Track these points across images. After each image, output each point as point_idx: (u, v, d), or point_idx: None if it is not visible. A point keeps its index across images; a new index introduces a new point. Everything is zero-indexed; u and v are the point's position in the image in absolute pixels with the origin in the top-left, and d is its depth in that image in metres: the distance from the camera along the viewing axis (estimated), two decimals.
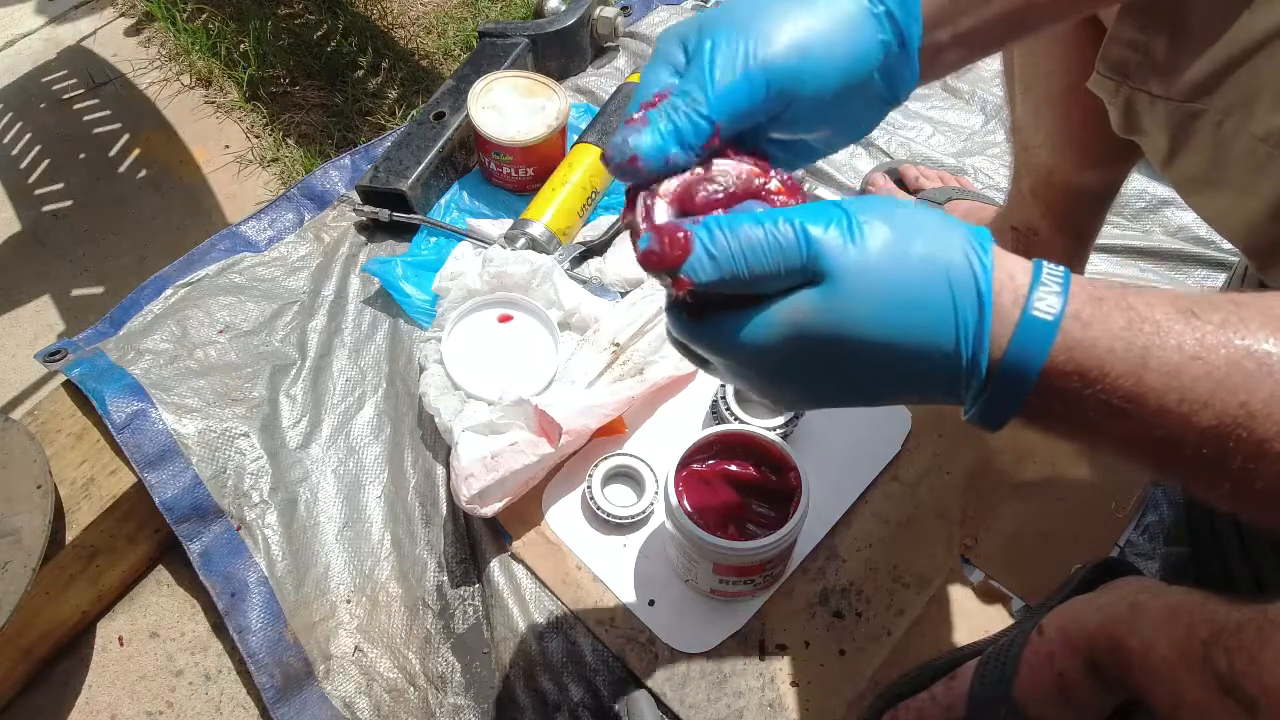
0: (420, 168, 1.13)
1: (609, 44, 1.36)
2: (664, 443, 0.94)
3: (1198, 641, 0.53)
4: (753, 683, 0.82)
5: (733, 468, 0.83)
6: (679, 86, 0.43)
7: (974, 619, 0.85)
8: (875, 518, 0.90)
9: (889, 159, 1.20)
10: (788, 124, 0.45)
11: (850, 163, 1.21)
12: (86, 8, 1.62)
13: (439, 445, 0.97)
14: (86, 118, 1.46)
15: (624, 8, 1.38)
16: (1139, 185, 1.15)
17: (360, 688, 0.85)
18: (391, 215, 1.12)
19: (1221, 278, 1.07)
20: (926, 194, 1.10)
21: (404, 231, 1.15)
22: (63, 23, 1.60)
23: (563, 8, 1.33)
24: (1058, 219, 0.89)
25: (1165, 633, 0.57)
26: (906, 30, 0.44)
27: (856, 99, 0.45)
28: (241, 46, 1.51)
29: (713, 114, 0.42)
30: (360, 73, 1.50)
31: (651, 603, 0.86)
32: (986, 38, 0.49)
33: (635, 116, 0.42)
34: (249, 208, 1.32)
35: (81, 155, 1.41)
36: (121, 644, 0.92)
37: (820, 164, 1.19)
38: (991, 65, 1.32)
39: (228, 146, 1.42)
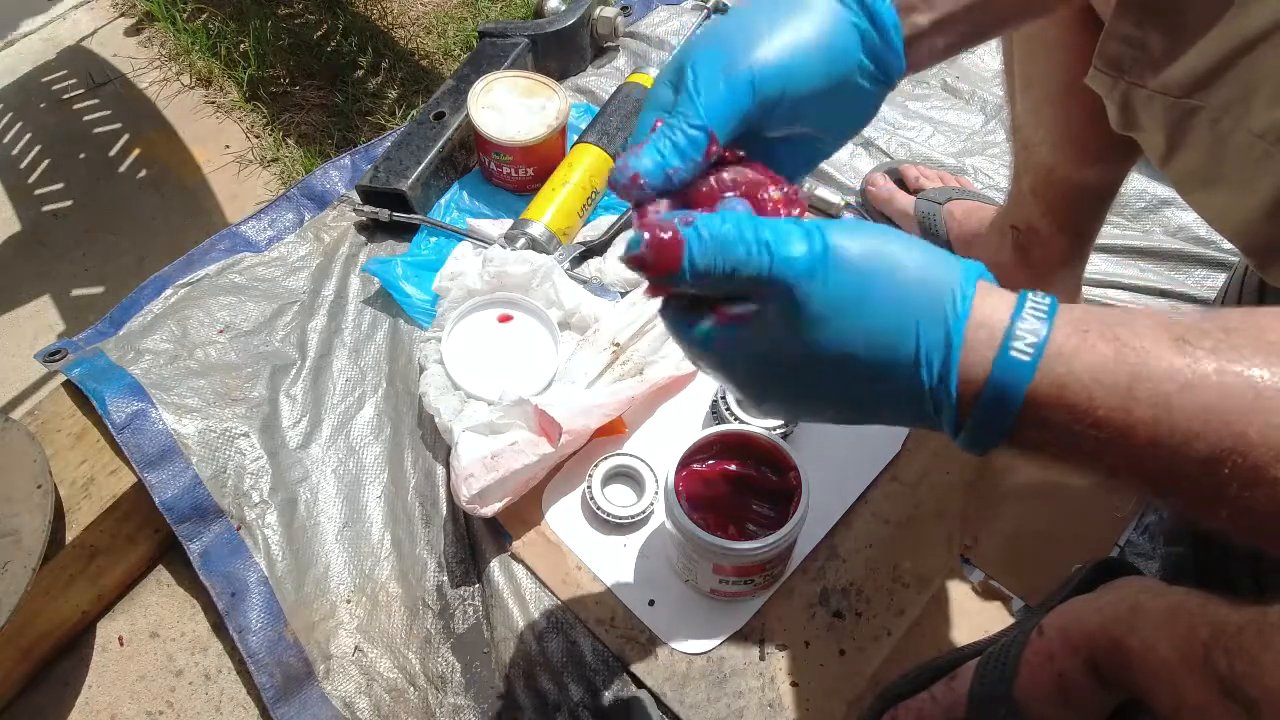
0: (420, 168, 1.13)
1: (609, 44, 1.36)
2: (664, 443, 0.94)
3: (1198, 643, 0.53)
4: (753, 683, 0.82)
5: (733, 468, 0.83)
6: (673, 109, 0.44)
7: (974, 619, 0.85)
8: (875, 518, 0.90)
9: (889, 159, 1.20)
10: (786, 121, 0.46)
11: (850, 163, 1.21)
12: (86, 7, 1.62)
13: (439, 445, 0.97)
14: (86, 118, 1.46)
15: (624, 8, 1.38)
16: (1139, 185, 1.15)
17: (360, 688, 0.85)
18: (391, 215, 1.12)
19: (1221, 277, 1.07)
20: (926, 194, 1.10)
21: (404, 231, 1.15)
22: (63, 23, 1.60)
23: (563, 8, 1.33)
24: (1058, 218, 0.89)
25: (1166, 634, 0.57)
26: (876, 11, 0.46)
27: (847, 86, 0.47)
28: (241, 46, 1.51)
29: (705, 122, 0.43)
30: (360, 73, 1.50)
31: (651, 603, 0.86)
32: (964, 25, 0.50)
33: (636, 146, 0.44)
34: (249, 208, 1.32)
35: (81, 155, 1.42)
36: (121, 644, 0.92)
37: (821, 164, 1.19)
38: (991, 65, 1.32)
39: (228, 146, 1.41)
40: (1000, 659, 0.71)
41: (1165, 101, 0.56)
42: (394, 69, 1.50)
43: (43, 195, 1.37)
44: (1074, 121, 0.79)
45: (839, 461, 0.92)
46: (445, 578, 0.90)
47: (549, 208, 1.09)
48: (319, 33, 1.56)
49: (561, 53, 1.31)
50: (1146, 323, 0.38)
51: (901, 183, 1.15)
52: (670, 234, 0.40)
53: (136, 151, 1.42)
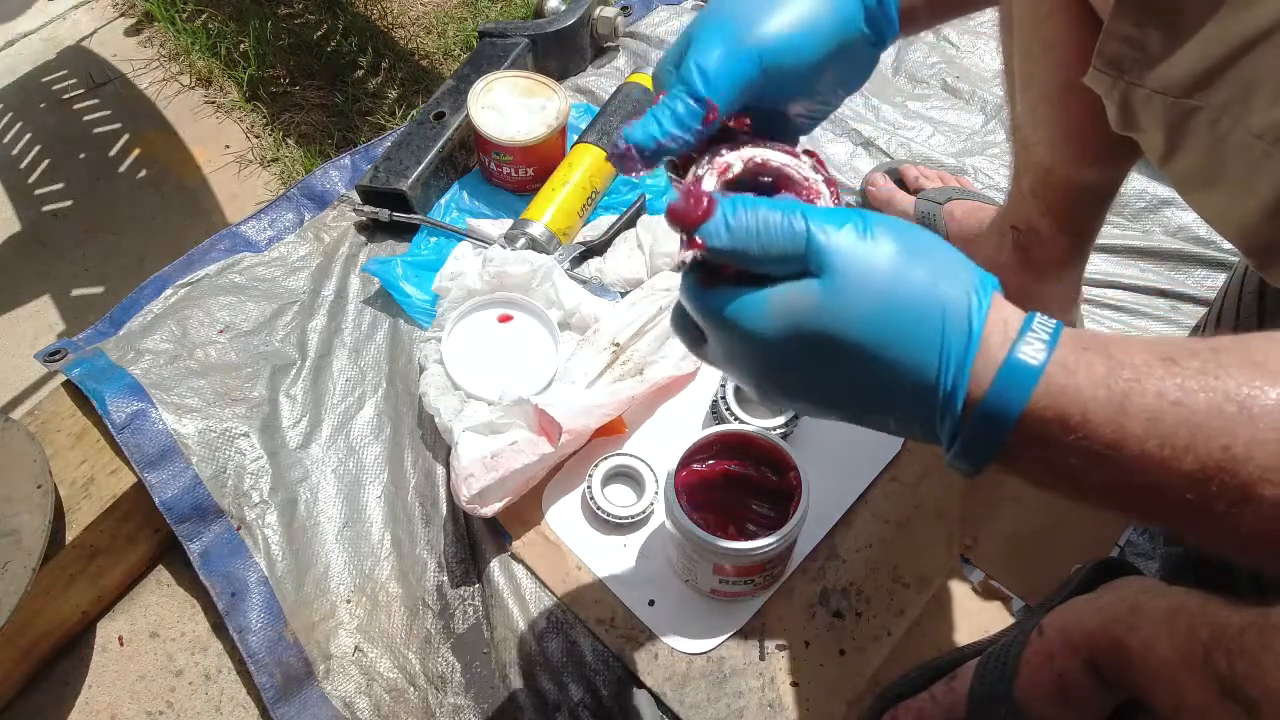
0: (420, 168, 1.13)
1: (609, 44, 1.36)
2: (664, 443, 0.94)
3: (1198, 643, 0.53)
4: (753, 683, 0.82)
5: (733, 468, 0.83)
6: (674, 82, 0.45)
7: (974, 619, 0.85)
8: (875, 518, 0.90)
9: (889, 159, 1.20)
10: (792, 92, 0.48)
11: (850, 163, 1.21)
12: (86, 7, 1.62)
13: (439, 445, 0.97)
14: (86, 118, 1.46)
15: (624, 8, 1.38)
16: (1139, 185, 1.15)
17: (360, 688, 0.85)
18: (391, 215, 1.12)
19: (1221, 277, 1.07)
20: (926, 194, 1.10)
21: (404, 231, 1.15)
22: (63, 23, 1.60)
23: (563, 8, 1.33)
24: (1058, 218, 0.89)
25: (1166, 634, 0.57)
26: None
27: (848, 53, 0.48)
28: (241, 46, 1.51)
29: (705, 92, 0.44)
30: (360, 73, 1.50)
31: (651, 603, 0.86)
32: None
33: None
34: (249, 208, 1.32)
35: (81, 155, 1.42)
36: (121, 644, 0.92)
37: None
38: (991, 65, 1.32)
39: (228, 146, 1.42)
40: (1000, 659, 0.71)
41: (1165, 101, 0.56)
42: (394, 69, 1.50)
43: (43, 195, 1.37)
44: (1073, 121, 0.79)
45: (839, 461, 0.92)
46: (445, 578, 0.90)
47: (549, 208, 1.09)
48: (319, 33, 1.56)
49: (561, 53, 1.31)
50: (1138, 344, 0.39)
51: (901, 183, 1.15)
52: (706, 199, 0.41)
53: (136, 151, 1.42)
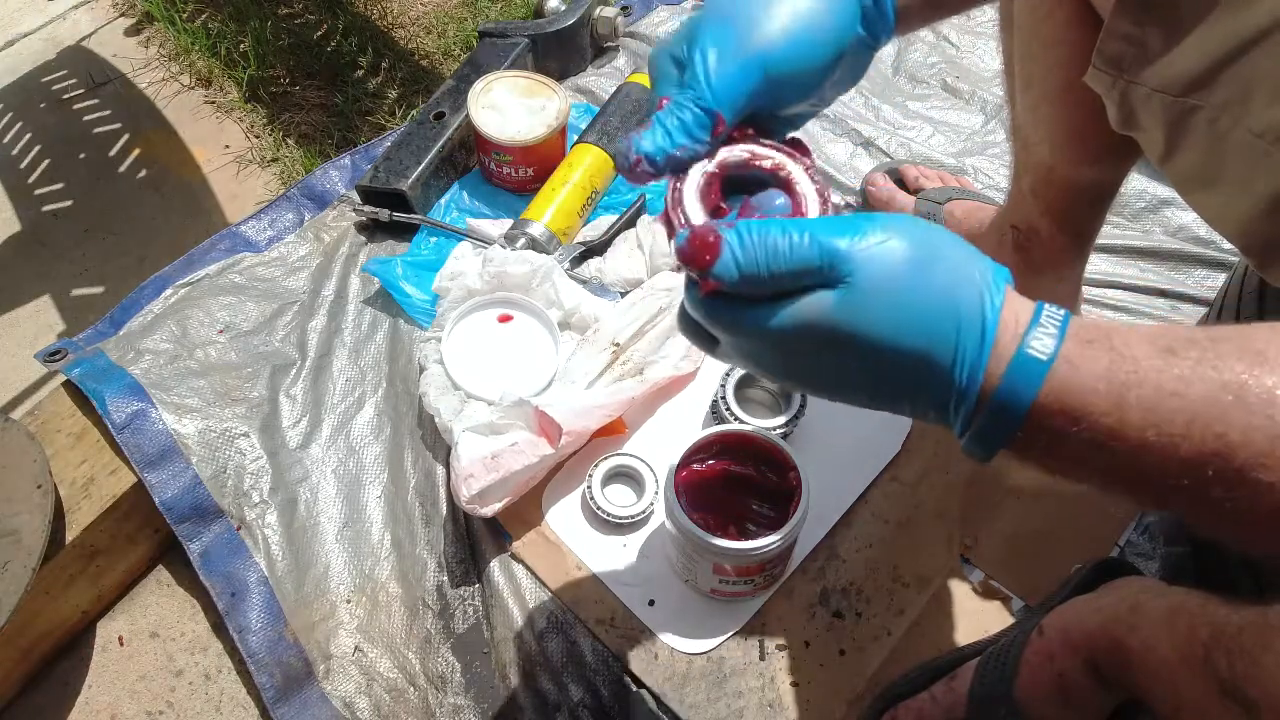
0: (420, 168, 1.13)
1: (609, 44, 1.36)
2: (664, 443, 0.94)
3: (1198, 643, 0.53)
4: (753, 683, 0.82)
5: (733, 468, 0.83)
6: (680, 88, 0.45)
7: (974, 619, 0.85)
8: (875, 518, 0.90)
9: (889, 159, 1.20)
10: (792, 97, 0.48)
11: (850, 163, 1.21)
12: (86, 7, 1.62)
13: (439, 445, 0.97)
14: (86, 118, 1.46)
15: (624, 8, 1.38)
16: (1139, 185, 1.15)
17: (360, 688, 0.85)
18: (391, 215, 1.12)
19: (1221, 277, 1.07)
20: (926, 194, 1.10)
21: (404, 231, 1.15)
22: (63, 23, 1.60)
23: (563, 8, 1.33)
24: (1058, 217, 0.89)
25: (1165, 634, 0.57)
26: None
27: (845, 57, 0.48)
28: (241, 46, 1.51)
29: (714, 104, 0.44)
30: (360, 73, 1.50)
31: (651, 603, 0.86)
32: None
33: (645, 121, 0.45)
34: (249, 208, 1.32)
35: (81, 155, 1.42)
36: (121, 644, 0.92)
37: (820, 164, 1.19)
38: (991, 65, 1.32)
39: (228, 146, 1.41)
40: (1000, 659, 0.71)
41: (1164, 100, 0.56)
42: (394, 69, 1.50)
43: (43, 195, 1.37)
44: (1073, 120, 0.79)
45: (839, 461, 0.92)
46: (445, 578, 0.90)
47: (549, 208, 1.09)
48: (319, 33, 1.56)
49: (561, 53, 1.31)
50: (1139, 335, 0.40)
51: (901, 183, 1.15)
52: (713, 236, 0.41)
53: (136, 151, 1.42)
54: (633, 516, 0.88)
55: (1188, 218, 1.13)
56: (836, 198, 1.16)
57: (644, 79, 1.23)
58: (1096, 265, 1.07)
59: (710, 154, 0.46)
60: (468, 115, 1.14)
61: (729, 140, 0.46)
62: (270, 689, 0.84)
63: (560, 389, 0.95)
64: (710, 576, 0.80)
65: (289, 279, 1.10)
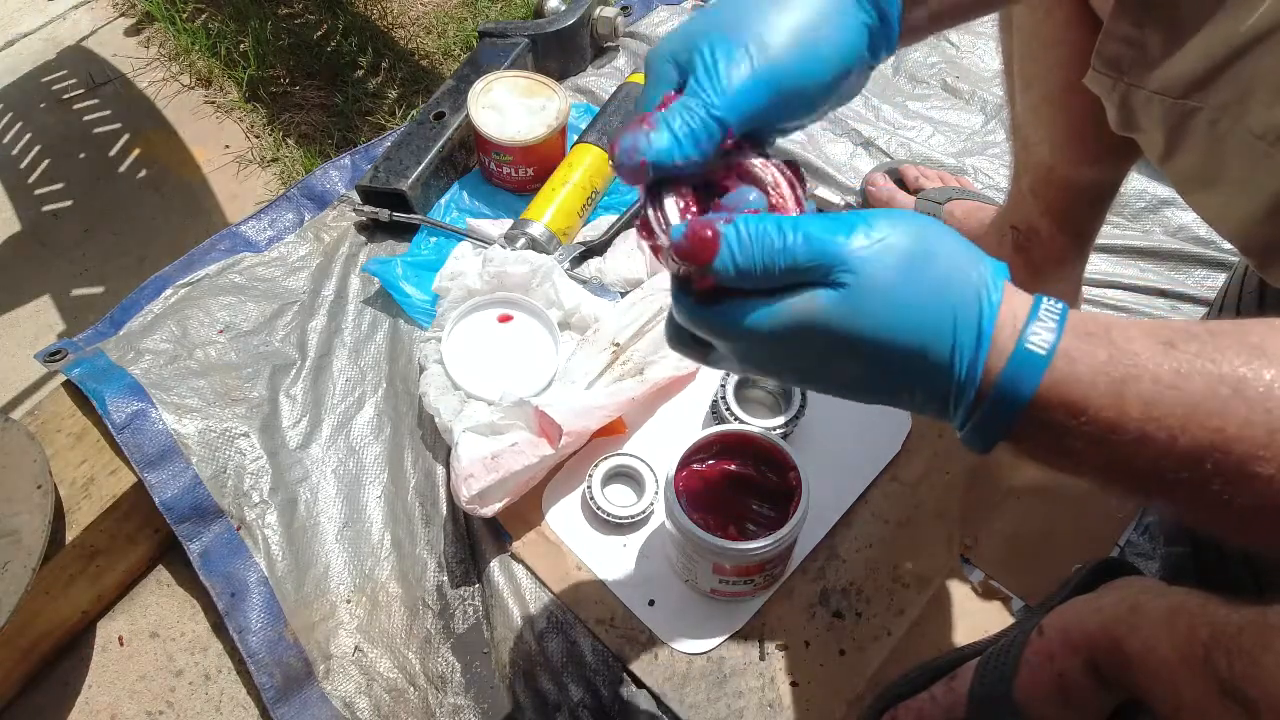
0: (420, 168, 1.13)
1: (609, 44, 1.36)
2: (664, 443, 0.94)
3: (1198, 643, 0.53)
4: (753, 683, 0.82)
5: (733, 468, 0.83)
6: (690, 89, 0.43)
7: (974, 619, 0.85)
8: (875, 518, 0.90)
9: (889, 159, 1.20)
10: (795, 114, 0.46)
11: (850, 163, 1.21)
12: (86, 7, 1.62)
13: (439, 445, 0.97)
14: (86, 118, 1.46)
15: (624, 8, 1.38)
16: (1139, 185, 1.15)
17: (360, 688, 0.85)
18: (391, 215, 1.12)
19: (1221, 277, 1.07)
20: (926, 194, 1.10)
21: (404, 231, 1.15)
22: (63, 23, 1.60)
23: (563, 8, 1.33)
24: (1058, 218, 0.89)
25: (1165, 634, 0.57)
26: (887, 10, 0.47)
27: (848, 78, 0.48)
28: (241, 46, 1.51)
29: (726, 116, 0.42)
30: (360, 73, 1.50)
31: (651, 603, 0.86)
32: (950, 17, 0.52)
33: (645, 116, 0.42)
34: (249, 208, 1.32)
35: (81, 155, 1.41)
36: (121, 644, 0.92)
37: (820, 164, 1.19)
38: (991, 65, 1.32)
39: (228, 146, 1.41)
40: (1000, 659, 0.71)
41: (1164, 102, 0.56)
42: (394, 69, 1.50)
43: (43, 195, 1.37)
44: (1073, 121, 0.79)
45: (839, 461, 0.92)
46: (445, 578, 0.90)
47: (549, 208, 1.09)
48: (319, 33, 1.56)
49: (561, 53, 1.31)
50: (1138, 328, 0.40)
51: (901, 183, 1.15)
52: (710, 232, 0.40)
53: (136, 151, 1.42)
54: (633, 517, 0.88)
55: (1188, 218, 1.13)
56: (836, 198, 1.16)
57: (643, 79, 1.22)
58: (1096, 265, 1.07)
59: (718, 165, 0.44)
60: (468, 115, 1.14)
61: (729, 154, 0.45)
62: (270, 689, 0.84)
63: (560, 389, 0.95)
64: (710, 576, 0.80)
65: (289, 279, 1.10)
